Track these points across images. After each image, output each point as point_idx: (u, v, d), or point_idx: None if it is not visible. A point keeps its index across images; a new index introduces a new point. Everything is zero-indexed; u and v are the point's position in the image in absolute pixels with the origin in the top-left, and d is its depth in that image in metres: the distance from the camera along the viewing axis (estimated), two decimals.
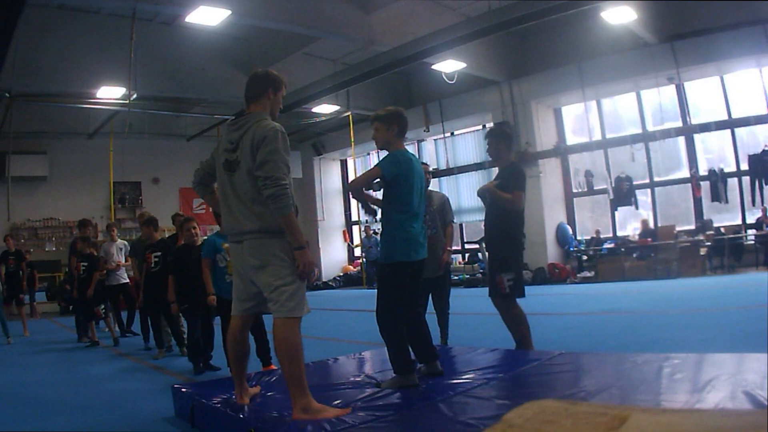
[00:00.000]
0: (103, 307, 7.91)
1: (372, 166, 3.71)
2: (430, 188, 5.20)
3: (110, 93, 12.01)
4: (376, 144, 3.78)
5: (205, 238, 5.28)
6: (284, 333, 2.95)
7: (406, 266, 3.61)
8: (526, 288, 4.60)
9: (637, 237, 12.94)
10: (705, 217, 12.33)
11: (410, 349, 3.69)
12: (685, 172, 12.72)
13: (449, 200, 5.66)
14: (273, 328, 3.01)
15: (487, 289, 4.70)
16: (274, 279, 2.98)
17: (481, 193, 4.68)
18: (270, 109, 3.18)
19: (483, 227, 4.87)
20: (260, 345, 5.04)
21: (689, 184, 12.55)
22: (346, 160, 20.01)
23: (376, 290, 3.75)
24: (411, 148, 17.68)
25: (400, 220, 3.60)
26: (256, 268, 3.03)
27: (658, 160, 13.04)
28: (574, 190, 14.52)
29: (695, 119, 12.41)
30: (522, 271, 4.59)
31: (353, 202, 19.32)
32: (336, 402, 3.22)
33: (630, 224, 13.78)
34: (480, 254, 13.59)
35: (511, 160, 4.65)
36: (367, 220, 16.88)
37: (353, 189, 3.84)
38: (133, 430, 3.59)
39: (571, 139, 14.57)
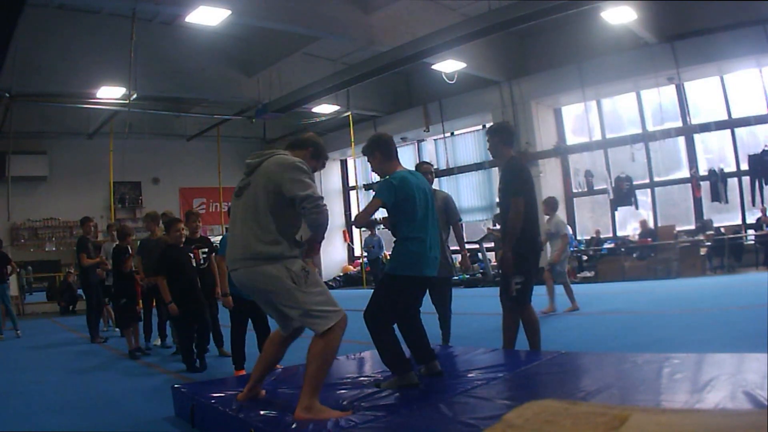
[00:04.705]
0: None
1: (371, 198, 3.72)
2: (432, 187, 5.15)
3: (110, 93, 12.00)
4: (377, 175, 3.87)
5: (223, 236, 5.13)
6: (324, 341, 2.97)
7: (411, 281, 3.60)
8: None
9: (637, 237, 12.93)
10: (705, 217, 12.32)
11: (405, 349, 3.67)
12: (685, 172, 12.71)
13: (452, 199, 5.53)
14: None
15: (489, 288, 4.61)
16: (290, 308, 3.03)
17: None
18: None
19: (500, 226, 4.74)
20: (261, 340, 5.03)
21: (689, 184, 12.54)
22: (346, 160, 20.00)
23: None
24: (411, 149, 17.76)
25: (408, 237, 3.61)
26: (263, 294, 3.12)
27: (658, 160, 13.03)
28: (574, 190, 14.51)
29: (695, 119, 12.40)
30: (532, 276, 4.32)
31: (353, 202, 19.32)
32: (336, 402, 3.21)
33: (630, 224, 13.76)
34: (480, 254, 13.55)
35: (510, 156, 4.43)
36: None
37: (359, 225, 3.83)
38: (133, 430, 3.59)
39: (571, 139, 14.57)
